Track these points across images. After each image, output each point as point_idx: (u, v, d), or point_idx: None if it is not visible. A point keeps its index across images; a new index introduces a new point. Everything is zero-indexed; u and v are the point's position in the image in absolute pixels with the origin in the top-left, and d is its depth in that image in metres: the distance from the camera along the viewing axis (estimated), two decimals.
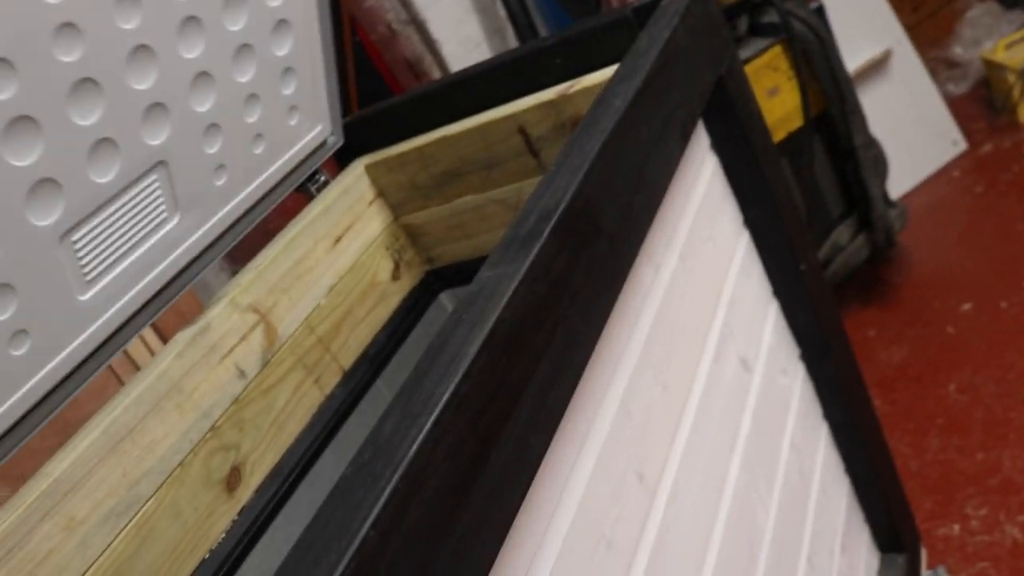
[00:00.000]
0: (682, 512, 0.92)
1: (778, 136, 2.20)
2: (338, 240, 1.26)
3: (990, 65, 2.98)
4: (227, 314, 1.07)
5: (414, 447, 0.52)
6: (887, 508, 1.53)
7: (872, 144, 2.24)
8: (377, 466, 0.51)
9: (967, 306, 2.34)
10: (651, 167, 0.88)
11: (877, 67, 2.72)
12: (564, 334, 0.68)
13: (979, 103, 3.12)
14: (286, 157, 1.18)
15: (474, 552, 0.56)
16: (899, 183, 2.77)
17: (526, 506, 0.68)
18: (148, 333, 1.64)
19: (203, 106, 0.98)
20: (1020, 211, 2.57)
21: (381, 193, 1.37)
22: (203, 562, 1.00)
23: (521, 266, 0.65)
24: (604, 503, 0.79)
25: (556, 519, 0.73)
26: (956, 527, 1.83)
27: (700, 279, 1.06)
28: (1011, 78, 2.83)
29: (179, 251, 1.02)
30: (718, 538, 0.99)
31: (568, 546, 0.73)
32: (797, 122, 2.23)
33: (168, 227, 1.00)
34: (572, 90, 1.15)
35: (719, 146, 1.17)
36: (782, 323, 1.30)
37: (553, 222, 0.69)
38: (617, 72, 0.95)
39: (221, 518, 1.03)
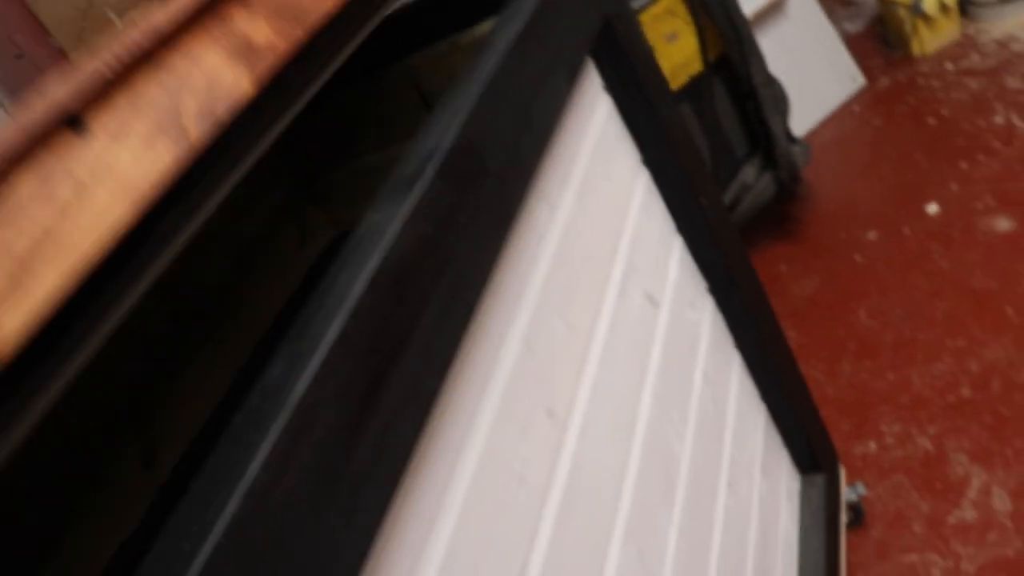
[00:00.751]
0: (594, 446, 0.94)
1: (679, 81, 2.22)
2: None
3: (883, 2, 3.05)
4: None
5: (302, 388, 0.52)
6: (804, 431, 1.58)
7: (771, 83, 2.28)
8: (265, 409, 0.52)
9: (872, 235, 2.41)
10: (537, 107, 0.89)
11: (775, 9, 2.76)
12: (453, 273, 0.68)
13: (875, 40, 3.19)
14: None
15: (371, 492, 0.56)
16: (802, 121, 2.82)
17: (429, 445, 0.68)
18: None
19: None
20: (917, 141, 2.65)
21: None
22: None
23: (405, 207, 0.65)
24: (513, 441, 0.80)
25: (463, 458, 0.74)
26: (872, 444, 1.89)
27: (599, 218, 1.07)
28: (903, 13, 2.90)
29: None
30: (634, 470, 1.01)
31: (478, 484, 0.74)
32: (697, 66, 2.25)
33: None
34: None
35: (612, 88, 1.18)
36: (687, 258, 1.32)
37: (437, 163, 0.70)
38: (501, 16, 0.95)
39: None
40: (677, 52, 2.23)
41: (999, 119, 2.56)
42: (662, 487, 1.07)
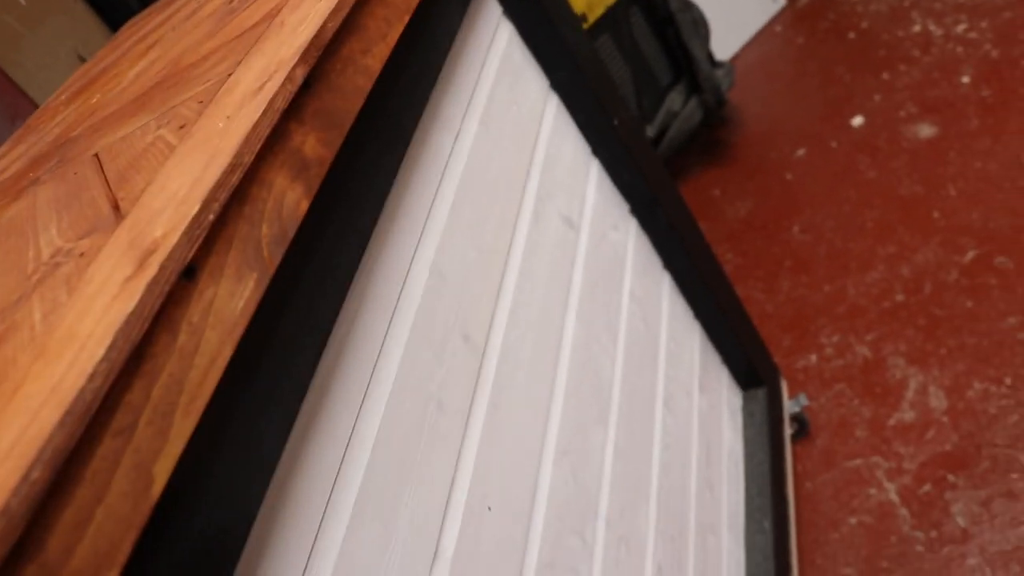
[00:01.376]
0: (517, 370, 0.94)
1: (596, 12, 2.21)
2: None
3: None
4: None
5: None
6: (742, 348, 1.59)
7: (688, 7, 2.28)
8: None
9: (801, 152, 2.43)
10: (428, 33, 0.88)
11: None
12: (345, 199, 0.67)
13: None
14: None
15: (273, 414, 0.56)
16: (725, 45, 2.83)
17: (336, 373, 0.68)
18: None
19: None
20: (839, 56, 2.66)
21: None
22: None
23: None
24: (428, 366, 0.80)
25: (375, 385, 0.73)
26: (813, 357, 1.92)
27: (507, 144, 1.06)
28: None
29: None
30: (561, 391, 1.02)
31: (392, 410, 0.73)
32: None
33: None
34: None
35: (511, 13, 1.17)
36: (606, 181, 1.32)
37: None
38: None
39: None
40: None
41: (916, 28, 2.59)
42: (594, 407, 1.07)
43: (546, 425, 0.97)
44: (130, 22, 1.56)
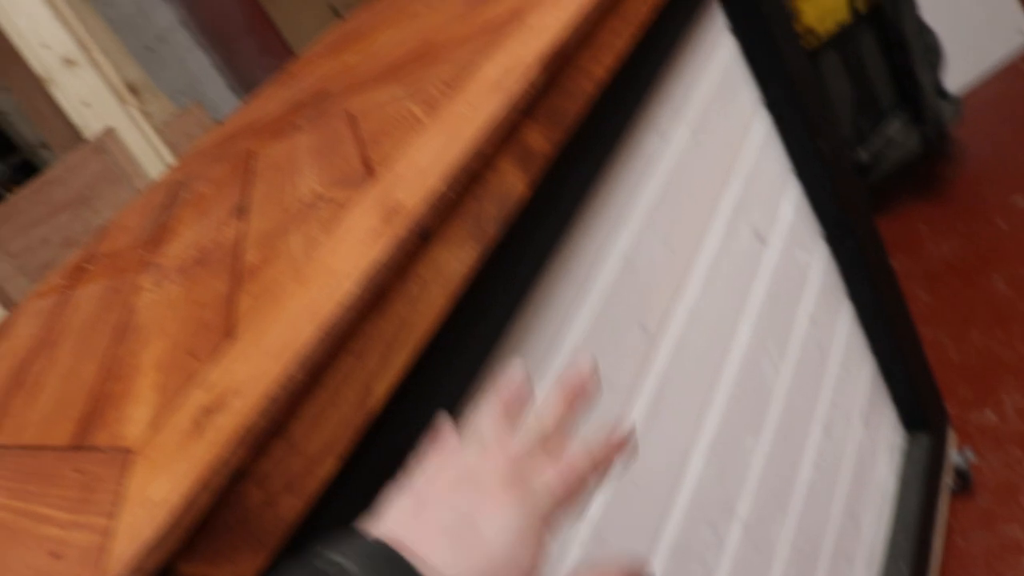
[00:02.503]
0: (684, 365, 1.01)
1: (826, 27, 2.20)
2: None
3: None
4: None
5: None
6: (914, 388, 1.59)
7: (924, 32, 2.23)
8: None
9: (1020, 200, 2.34)
10: (652, 42, 0.95)
11: None
12: (556, 186, 0.76)
13: None
14: None
15: (467, 365, 0.66)
16: (958, 76, 2.73)
17: (525, 335, 0.77)
18: None
19: None
20: None
21: None
22: None
23: None
24: (604, 345, 0.88)
25: (554, 353, 0.82)
26: (990, 414, 1.87)
27: (713, 153, 1.12)
28: None
29: None
30: (723, 392, 1.07)
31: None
32: (845, 13, 2.22)
33: None
34: None
35: (736, 28, 1.22)
36: (803, 202, 1.35)
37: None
38: None
39: None
40: None
41: None
42: (751, 414, 1.13)
43: (702, 421, 1.03)
44: None
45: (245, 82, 2.67)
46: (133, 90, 2.34)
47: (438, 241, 0.59)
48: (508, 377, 0.54)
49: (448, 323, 0.61)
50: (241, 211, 0.84)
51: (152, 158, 2.28)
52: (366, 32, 1.31)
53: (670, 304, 1.01)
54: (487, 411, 0.52)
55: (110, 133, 2.24)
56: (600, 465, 0.48)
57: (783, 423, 1.20)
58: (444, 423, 0.55)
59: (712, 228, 1.11)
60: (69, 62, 2.22)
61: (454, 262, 0.60)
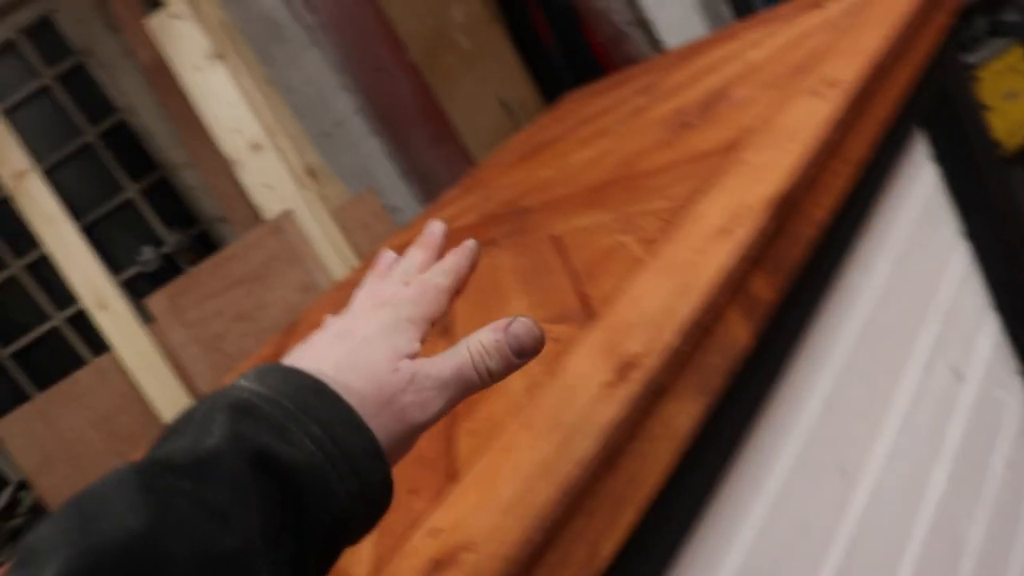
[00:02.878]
0: (881, 511, 0.95)
1: (1015, 141, 2.12)
2: None
3: None
4: None
5: None
6: None
7: None
8: None
9: None
10: (863, 178, 0.92)
11: None
12: (771, 333, 0.74)
13: None
14: None
15: (680, 518, 0.64)
16: None
17: (729, 486, 0.74)
18: None
19: None
20: None
21: None
22: None
23: None
24: (804, 489, 0.85)
25: (758, 497, 0.79)
26: None
27: (912, 286, 1.08)
28: None
29: None
30: (917, 541, 1.01)
31: (767, 528, 0.79)
32: None
33: None
34: None
35: (939, 157, 1.18)
36: (1001, 337, 1.28)
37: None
38: None
39: None
40: (1015, 110, 2.13)
41: None
42: (944, 565, 1.06)
43: (895, 572, 0.97)
44: (569, 96, 1.73)
45: (416, 170, 2.76)
46: (311, 174, 2.45)
47: (669, 396, 0.58)
48: (378, 259, 0.58)
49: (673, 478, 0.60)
50: (445, 330, 0.85)
51: (325, 241, 2.36)
52: (556, 145, 1.32)
53: (868, 446, 0.96)
54: (364, 281, 0.55)
55: (288, 215, 2.34)
56: (444, 273, 0.51)
57: (975, 573, 1.12)
58: None
59: (910, 365, 1.06)
60: (255, 146, 2.35)
61: (683, 417, 0.59)
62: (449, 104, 2.85)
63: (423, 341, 0.48)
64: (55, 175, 3.41)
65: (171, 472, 0.36)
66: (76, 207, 3.40)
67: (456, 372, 0.46)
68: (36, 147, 3.33)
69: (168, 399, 2.60)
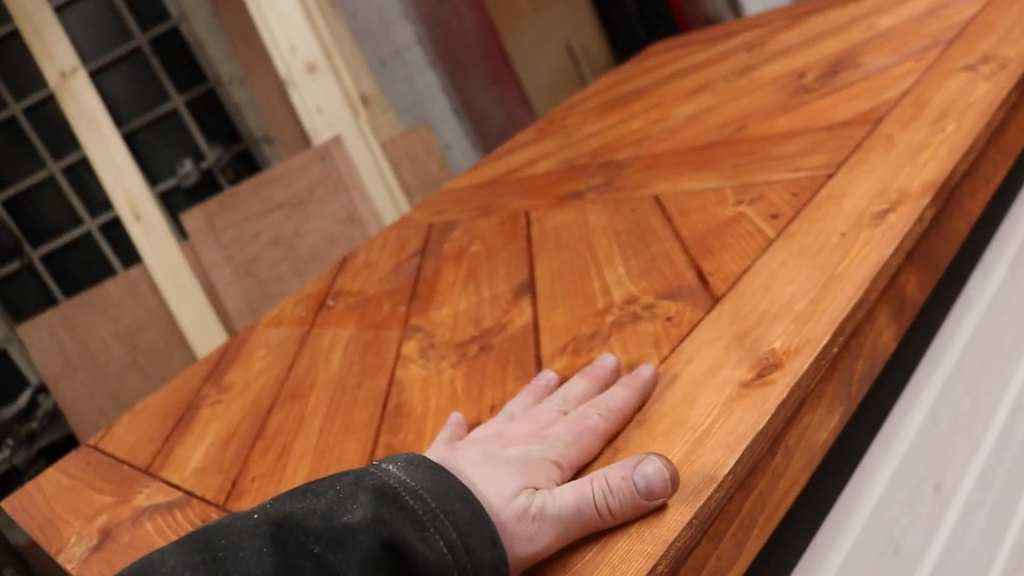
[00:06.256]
0: (969, 534, 0.87)
1: None
2: None
3: None
4: None
5: None
6: None
7: None
8: None
9: None
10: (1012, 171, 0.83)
11: None
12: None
13: None
14: None
15: (798, 539, 0.56)
16: None
17: (837, 503, 0.66)
18: None
19: None
20: None
21: None
22: None
23: None
24: (898, 508, 0.77)
25: (849, 513, 0.71)
26: None
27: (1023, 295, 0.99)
28: None
29: None
30: (999, 567, 0.94)
31: (859, 544, 0.71)
32: None
33: None
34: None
35: None
36: None
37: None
38: None
39: None
40: None
41: None
42: None
43: None
44: (657, 46, 1.62)
45: (470, 108, 2.65)
46: (365, 102, 2.35)
47: (809, 404, 0.49)
48: (537, 377, 0.59)
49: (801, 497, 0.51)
50: (527, 291, 0.76)
51: (373, 172, 2.28)
52: (646, 96, 1.23)
53: (964, 464, 0.88)
54: (518, 398, 0.57)
55: (337, 141, 2.25)
56: (608, 412, 0.50)
57: None
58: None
59: (1013, 379, 0.97)
60: (311, 67, 2.25)
61: (820, 430, 0.51)
62: (512, 43, 2.73)
63: (560, 484, 0.46)
64: (101, 78, 3.33)
65: (305, 533, 0.37)
66: (119, 113, 3.33)
67: (574, 508, 0.43)
68: (84, 47, 3.25)
69: (195, 318, 2.54)
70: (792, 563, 0.57)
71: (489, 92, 2.66)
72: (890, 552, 0.76)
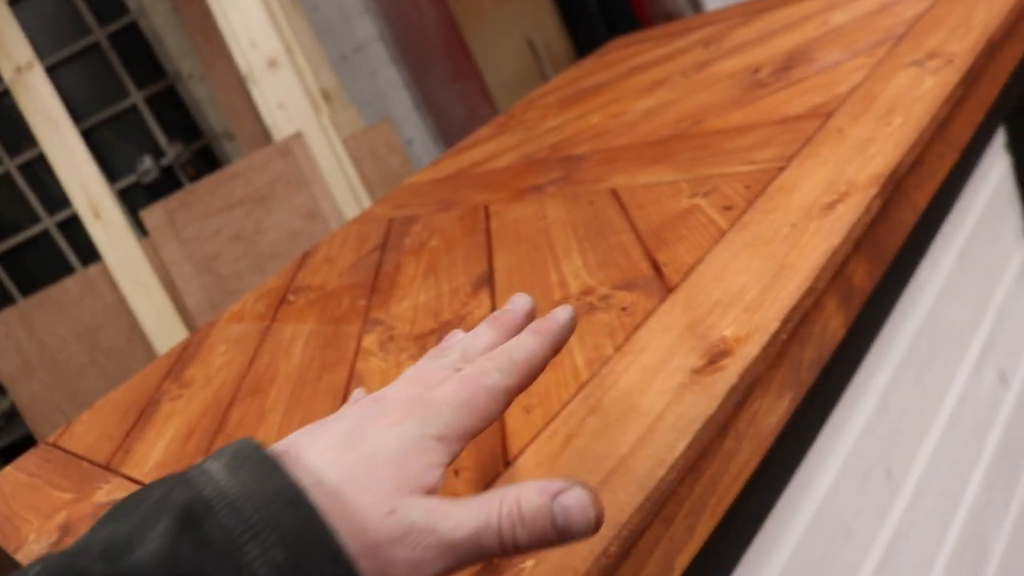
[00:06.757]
0: (919, 517, 0.90)
1: None
2: None
3: None
4: None
5: None
6: None
7: None
8: None
9: None
10: (958, 164, 0.85)
11: None
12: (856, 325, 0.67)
13: None
14: None
15: (750, 522, 0.57)
16: None
17: (787, 488, 0.68)
18: None
19: None
20: None
21: None
22: None
23: None
24: (850, 493, 0.78)
25: (804, 498, 0.73)
26: None
27: (972, 283, 1.01)
28: None
29: None
30: (948, 547, 0.96)
31: (812, 527, 0.73)
32: None
33: None
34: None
35: (1013, 144, 1.10)
36: None
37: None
38: None
39: None
40: None
41: None
42: (968, 573, 1.01)
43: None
44: (618, 41, 1.64)
45: (432, 103, 2.66)
46: (326, 97, 2.35)
47: (759, 390, 0.51)
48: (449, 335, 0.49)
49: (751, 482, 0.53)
50: (485, 284, 0.77)
51: (334, 168, 2.27)
52: (605, 91, 1.24)
53: (914, 449, 0.90)
54: (422, 359, 0.46)
55: (298, 137, 2.24)
56: (510, 366, 0.40)
57: None
58: None
59: (962, 366, 0.99)
60: (272, 63, 2.24)
61: (770, 415, 0.52)
62: (473, 39, 2.74)
63: (451, 462, 0.38)
64: (58, 73, 3.29)
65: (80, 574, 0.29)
66: (77, 109, 3.29)
67: (472, 536, 0.34)
68: (40, 42, 3.20)
69: (156, 316, 2.52)
70: (745, 544, 0.58)
71: (451, 87, 2.66)
72: (842, 536, 0.78)
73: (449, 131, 2.68)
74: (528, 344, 0.42)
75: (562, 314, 0.44)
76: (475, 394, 0.39)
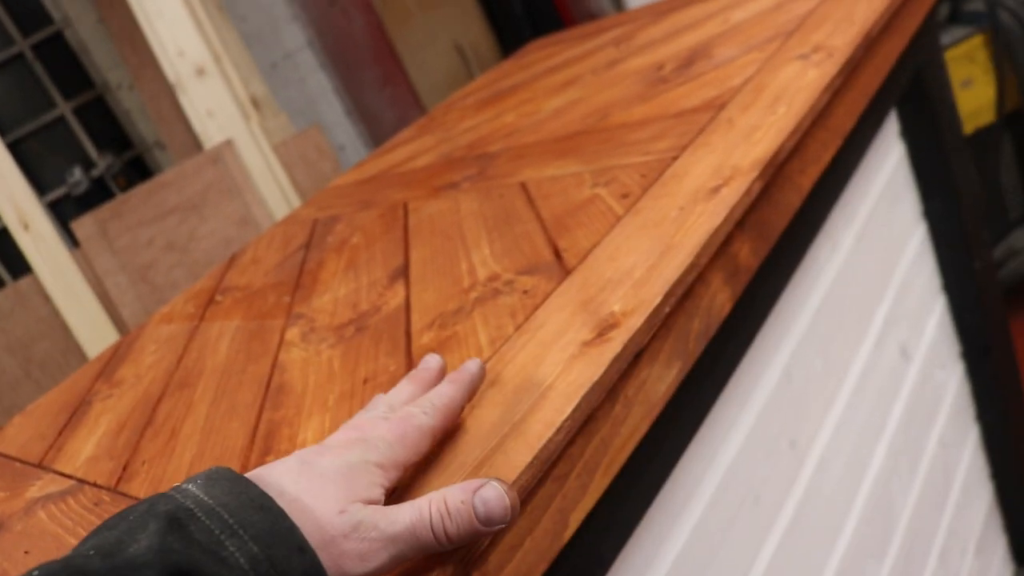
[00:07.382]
0: (825, 484, 0.95)
1: (966, 129, 2.13)
2: None
3: None
4: None
5: None
6: None
7: None
8: None
9: None
10: (842, 150, 0.90)
11: None
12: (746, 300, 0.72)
13: None
14: None
15: (642, 484, 0.61)
16: None
17: (688, 454, 0.72)
18: None
19: None
20: None
21: None
22: None
23: None
24: (756, 462, 0.83)
25: (712, 468, 0.77)
26: None
27: (872, 263, 1.07)
28: None
29: None
30: (856, 514, 1.02)
31: (720, 493, 0.77)
32: (988, 117, 2.15)
33: None
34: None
35: (907, 133, 1.17)
36: (947, 318, 1.29)
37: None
38: None
39: None
40: (970, 99, 2.13)
41: None
42: (877, 539, 1.06)
43: (834, 544, 0.97)
44: (536, 43, 1.68)
45: (363, 109, 2.68)
46: (256, 105, 2.36)
47: (647, 359, 0.55)
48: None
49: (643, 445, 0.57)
50: (401, 276, 0.81)
51: (266, 174, 2.28)
52: (520, 92, 1.28)
53: (819, 420, 0.95)
54: (355, 416, 0.54)
55: (228, 144, 2.25)
56: (432, 409, 0.50)
57: (904, 549, 1.13)
58: None
59: (864, 341, 1.05)
60: (200, 71, 2.25)
61: (659, 383, 0.56)
62: (402, 44, 2.77)
63: (390, 487, 0.46)
64: None
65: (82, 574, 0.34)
66: (2, 120, 3.24)
67: (409, 529, 0.42)
68: None
69: (90, 327, 2.51)
70: (647, 503, 0.62)
71: (381, 93, 2.69)
72: (750, 501, 0.83)
73: (380, 136, 2.70)
74: (447, 391, 0.51)
75: (472, 365, 0.54)
76: (407, 431, 0.48)
